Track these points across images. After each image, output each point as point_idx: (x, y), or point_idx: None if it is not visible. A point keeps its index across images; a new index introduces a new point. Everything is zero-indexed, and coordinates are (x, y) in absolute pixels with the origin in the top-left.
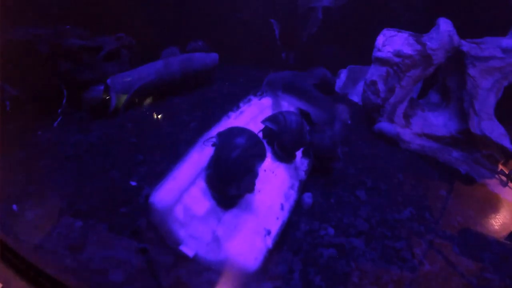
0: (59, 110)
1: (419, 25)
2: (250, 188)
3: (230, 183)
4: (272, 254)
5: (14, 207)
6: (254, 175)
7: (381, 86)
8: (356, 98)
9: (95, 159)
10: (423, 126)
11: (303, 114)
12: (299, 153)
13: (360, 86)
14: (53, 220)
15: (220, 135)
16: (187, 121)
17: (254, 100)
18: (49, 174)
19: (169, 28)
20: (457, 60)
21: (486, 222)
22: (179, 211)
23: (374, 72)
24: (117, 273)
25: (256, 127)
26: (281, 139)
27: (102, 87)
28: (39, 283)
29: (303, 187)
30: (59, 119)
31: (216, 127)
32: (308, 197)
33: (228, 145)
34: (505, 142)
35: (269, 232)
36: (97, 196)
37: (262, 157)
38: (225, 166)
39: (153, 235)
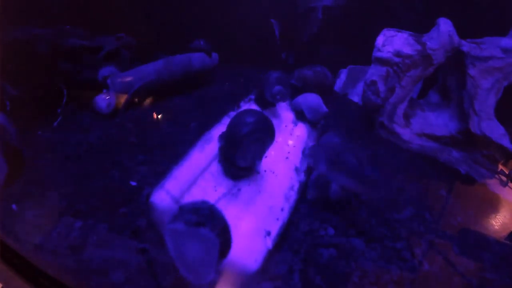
0: (59, 110)
1: (419, 25)
2: (259, 157)
3: (238, 155)
4: (272, 254)
5: (14, 207)
6: (262, 147)
7: (381, 86)
8: (356, 98)
9: (95, 159)
10: (423, 126)
11: (298, 112)
12: (299, 153)
13: (360, 86)
14: (53, 220)
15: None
16: (187, 121)
17: None
18: (49, 174)
19: (169, 28)
20: (457, 60)
21: (486, 222)
22: None
23: (374, 72)
24: (117, 273)
25: None
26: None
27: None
28: (39, 283)
29: (303, 188)
30: (59, 119)
31: (217, 127)
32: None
33: (240, 122)
34: (505, 142)
35: (269, 233)
36: (97, 196)
37: (270, 133)
38: (236, 140)
39: (153, 235)
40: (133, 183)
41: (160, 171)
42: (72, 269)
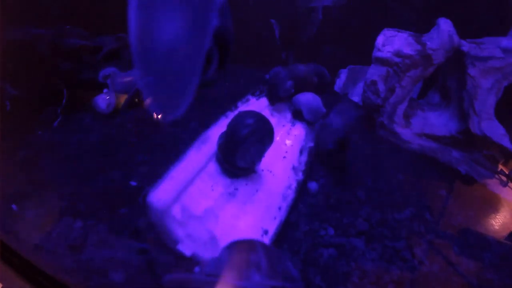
0: (59, 110)
1: (419, 25)
2: (258, 158)
3: (238, 156)
4: None
5: (14, 207)
6: (262, 148)
7: (381, 86)
8: (356, 98)
9: (95, 159)
10: (423, 126)
11: (296, 111)
12: (297, 152)
13: (360, 86)
14: (53, 220)
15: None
16: (187, 121)
17: (252, 100)
18: (49, 174)
19: None
20: (457, 60)
21: (486, 222)
22: (176, 211)
23: (374, 72)
24: (117, 273)
25: None
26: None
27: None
28: (39, 283)
29: (301, 187)
30: (59, 119)
31: (214, 127)
32: (314, 185)
33: (241, 122)
34: (505, 142)
35: (266, 232)
36: (97, 196)
37: (270, 135)
38: (236, 141)
39: (153, 235)
40: (133, 183)
41: (159, 171)
42: (72, 269)
